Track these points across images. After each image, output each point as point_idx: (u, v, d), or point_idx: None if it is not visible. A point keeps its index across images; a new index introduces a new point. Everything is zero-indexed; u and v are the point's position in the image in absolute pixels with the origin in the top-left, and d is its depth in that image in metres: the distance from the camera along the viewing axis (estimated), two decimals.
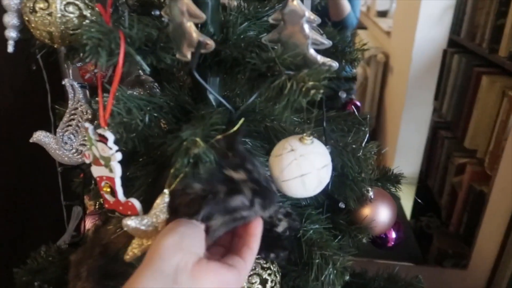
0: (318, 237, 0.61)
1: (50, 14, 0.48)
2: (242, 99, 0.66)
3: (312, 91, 0.45)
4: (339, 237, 0.64)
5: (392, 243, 0.79)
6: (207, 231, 0.47)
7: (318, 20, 0.48)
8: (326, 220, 0.63)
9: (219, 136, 0.49)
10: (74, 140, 0.58)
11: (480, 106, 1.65)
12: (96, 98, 0.50)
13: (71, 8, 0.48)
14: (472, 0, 1.87)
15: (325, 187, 0.52)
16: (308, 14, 0.48)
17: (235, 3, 0.69)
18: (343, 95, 0.53)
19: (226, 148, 0.49)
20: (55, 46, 0.51)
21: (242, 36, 0.60)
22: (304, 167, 0.50)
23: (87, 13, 0.49)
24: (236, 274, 0.43)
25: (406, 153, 2.60)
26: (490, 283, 1.56)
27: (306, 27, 0.49)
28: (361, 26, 3.63)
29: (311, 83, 0.45)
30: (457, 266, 1.67)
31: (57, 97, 0.68)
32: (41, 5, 0.47)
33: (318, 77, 0.45)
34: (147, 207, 0.53)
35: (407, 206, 2.19)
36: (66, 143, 0.58)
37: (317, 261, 0.59)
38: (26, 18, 0.49)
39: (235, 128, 0.51)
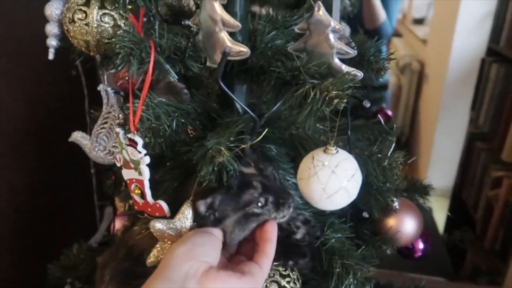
0: (339, 246, 0.60)
1: (87, 24, 0.50)
2: (269, 106, 0.67)
3: (336, 100, 0.45)
4: (363, 247, 0.63)
5: (420, 254, 0.77)
6: (224, 237, 0.48)
7: (343, 29, 0.49)
8: (349, 229, 0.62)
9: (243, 146, 0.51)
10: (107, 142, 0.61)
11: None
12: (128, 104, 0.52)
13: (106, 19, 0.51)
14: None
15: None
16: (334, 23, 0.48)
17: (264, 12, 0.71)
18: (367, 104, 0.52)
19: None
20: (91, 54, 0.54)
21: (269, 45, 0.61)
22: (343, 176, 0.49)
23: (121, 23, 0.51)
24: (250, 280, 0.44)
25: (440, 164, 2.52)
26: None
27: (331, 36, 0.49)
28: (396, 34, 3.57)
29: (334, 92, 0.45)
30: (491, 284, 1.60)
31: (94, 102, 0.71)
32: (80, 16, 0.50)
33: (342, 86, 0.46)
34: (172, 210, 0.55)
35: (440, 219, 2.13)
36: (100, 144, 0.61)
37: (337, 270, 0.58)
38: (66, 28, 0.52)
39: (259, 138, 0.53)
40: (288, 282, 0.55)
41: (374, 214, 0.62)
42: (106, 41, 0.52)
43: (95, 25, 0.50)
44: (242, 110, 0.57)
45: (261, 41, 0.61)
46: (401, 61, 3.12)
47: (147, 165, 0.52)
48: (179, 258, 0.42)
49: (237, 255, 0.51)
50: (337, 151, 0.51)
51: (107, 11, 0.51)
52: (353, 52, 0.50)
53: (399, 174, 0.63)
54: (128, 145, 0.51)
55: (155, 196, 0.56)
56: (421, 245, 0.76)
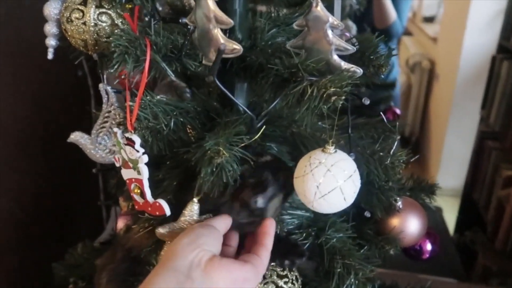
0: (341, 245, 0.59)
1: (84, 23, 0.50)
2: (270, 104, 0.67)
3: (333, 98, 0.44)
4: (365, 247, 0.62)
5: (427, 255, 0.75)
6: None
7: (342, 25, 0.48)
8: (351, 229, 0.61)
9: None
10: (108, 141, 0.61)
11: None
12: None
13: (104, 18, 0.51)
14: None
15: None
16: (332, 20, 0.47)
17: (264, 9, 0.70)
18: (366, 101, 0.51)
19: None
20: (90, 53, 0.54)
21: (270, 42, 0.61)
22: (339, 175, 0.48)
23: (118, 22, 0.51)
24: (252, 268, 0.45)
25: (451, 164, 2.49)
26: None
27: (330, 33, 0.48)
28: (406, 32, 3.54)
29: (332, 89, 0.44)
30: (503, 285, 1.57)
31: (101, 102, 0.71)
32: (77, 15, 0.50)
33: (340, 83, 0.45)
34: (173, 209, 0.55)
35: (451, 220, 2.10)
36: (100, 143, 0.61)
37: (338, 270, 0.58)
38: (64, 27, 0.52)
39: (256, 137, 0.52)
40: (286, 283, 0.54)
41: (376, 213, 0.61)
42: (104, 40, 0.51)
43: (92, 24, 0.50)
44: (240, 108, 0.56)
45: (262, 39, 0.60)
46: (411, 59, 3.09)
47: (146, 164, 0.51)
48: (183, 248, 0.43)
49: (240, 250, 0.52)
50: (336, 151, 0.50)
51: (104, 10, 0.51)
52: (352, 49, 0.49)
53: (402, 173, 0.62)
54: (126, 144, 0.51)
55: (154, 195, 0.56)
56: (429, 246, 0.74)
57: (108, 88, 0.59)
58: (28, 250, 1.11)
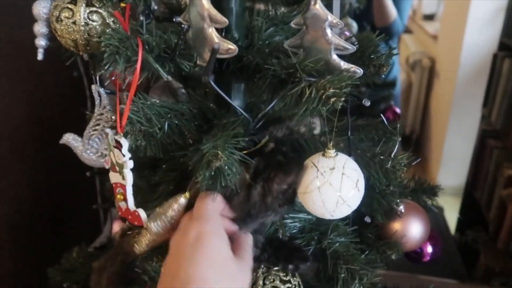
0: (344, 250, 0.58)
1: (74, 23, 0.49)
2: (267, 106, 0.65)
3: (333, 99, 0.43)
4: (367, 251, 0.60)
5: (428, 258, 0.74)
6: None
7: (341, 24, 0.46)
8: (353, 233, 0.60)
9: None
10: (100, 144, 0.60)
11: None
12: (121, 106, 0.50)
13: (94, 17, 0.49)
14: None
15: None
16: (331, 18, 0.46)
17: (262, 7, 0.68)
18: (367, 103, 0.50)
19: None
20: (80, 54, 0.52)
21: (267, 42, 0.59)
22: (353, 175, 0.47)
23: (110, 21, 0.50)
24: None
25: (452, 163, 2.48)
26: None
27: (329, 31, 0.46)
28: (406, 30, 3.52)
29: (331, 90, 0.43)
30: (505, 286, 1.55)
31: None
32: (66, 14, 0.48)
33: (339, 84, 0.43)
34: None
35: (452, 219, 2.08)
36: (92, 146, 0.59)
37: (342, 275, 0.56)
38: (53, 27, 0.50)
39: (258, 146, 0.50)
40: None
41: (377, 218, 0.59)
42: (95, 39, 0.50)
43: (83, 23, 0.49)
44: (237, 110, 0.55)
45: (259, 38, 0.58)
46: (411, 58, 3.07)
47: (132, 169, 0.50)
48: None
49: None
50: (337, 154, 0.48)
51: (95, 9, 0.49)
52: (352, 48, 0.47)
53: (403, 176, 0.60)
54: (115, 147, 0.49)
55: (151, 200, 0.54)
56: (429, 249, 0.72)
57: (101, 89, 0.57)
58: (23, 254, 1.10)
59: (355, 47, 0.47)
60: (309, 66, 0.46)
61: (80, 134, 0.66)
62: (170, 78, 0.55)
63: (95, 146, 0.59)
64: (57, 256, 0.87)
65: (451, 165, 2.48)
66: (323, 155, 0.49)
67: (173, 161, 0.60)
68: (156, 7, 0.67)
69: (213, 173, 0.45)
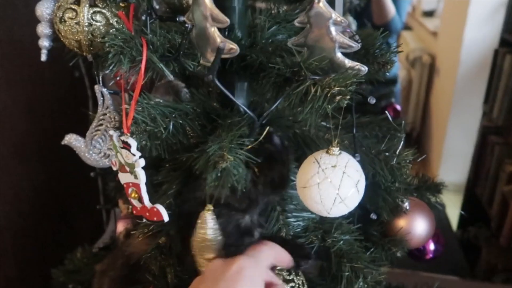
0: (348, 248, 0.58)
1: (78, 23, 0.48)
2: (271, 104, 0.65)
3: (338, 97, 0.43)
4: (371, 249, 0.60)
5: (431, 255, 0.74)
6: None
7: (345, 21, 0.46)
8: (357, 231, 0.60)
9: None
10: (102, 144, 0.60)
11: None
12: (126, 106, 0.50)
13: (98, 17, 0.49)
14: None
15: None
16: (335, 16, 0.46)
17: (264, 6, 0.68)
18: (372, 100, 0.50)
19: None
20: (84, 54, 0.52)
21: (270, 40, 0.59)
22: (354, 175, 0.47)
23: (113, 21, 0.49)
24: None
25: (453, 159, 2.47)
26: None
27: (333, 29, 0.46)
28: (406, 27, 3.51)
29: (337, 88, 0.43)
30: (508, 282, 1.55)
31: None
32: (70, 15, 0.48)
33: (344, 82, 0.43)
34: (172, 215, 0.53)
35: (453, 215, 2.08)
36: (94, 146, 0.59)
37: (346, 274, 0.56)
38: (57, 28, 0.50)
39: (260, 138, 0.50)
40: (293, 287, 0.52)
41: (382, 215, 0.59)
42: (98, 40, 0.49)
43: (86, 24, 0.48)
44: (242, 109, 0.55)
45: (262, 37, 0.58)
46: (411, 54, 3.07)
47: (143, 168, 0.50)
48: None
49: None
50: (340, 152, 0.48)
51: (98, 9, 0.49)
52: (356, 46, 0.47)
53: (408, 173, 0.60)
54: (122, 148, 0.49)
55: (153, 200, 0.54)
56: (432, 246, 0.72)
57: (104, 90, 0.57)
58: (26, 256, 1.10)
59: (359, 45, 0.47)
60: (314, 65, 0.46)
61: (82, 135, 0.66)
62: (172, 77, 0.54)
63: (97, 146, 0.58)
64: (60, 257, 0.87)
65: (452, 162, 2.47)
66: (327, 152, 0.49)
67: (176, 161, 0.60)
68: (157, 7, 0.67)
69: (219, 174, 0.45)
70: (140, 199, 0.54)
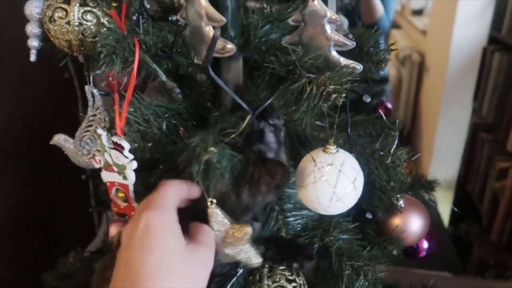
0: (347, 247, 0.58)
1: (68, 23, 0.47)
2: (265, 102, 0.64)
3: (334, 95, 0.42)
4: (368, 248, 0.60)
5: (424, 253, 0.74)
6: None
7: (340, 20, 0.46)
8: (355, 229, 0.59)
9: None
10: (92, 146, 0.59)
11: None
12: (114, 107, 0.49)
13: (89, 16, 0.48)
14: None
15: None
16: (330, 14, 0.45)
17: (257, 5, 0.68)
18: (367, 99, 0.49)
19: None
20: (74, 55, 0.51)
21: (264, 39, 0.58)
22: (351, 174, 0.47)
23: (104, 20, 0.48)
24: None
25: (444, 157, 2.49)
26: None
27: (328, 28, 0.46)
28: (395, 26, 3.53)
29: (332, 86, 0.42)
30: (499, 277, 1.57)
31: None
32: (60, 14, 0.47)
33: (340, 80, 0.43)
34: None
35: (445, 212, 2.10)
36: (83, 147, 0.58)
37: (347, 272, 0.56)
38: (46, 27, 0.49)
39: (242, 127, 0.48)
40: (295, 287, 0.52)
41: (378, 214, 0.59)
42: (89, 40, 0.48)
43: (77, 23, 0.47)
44: (235, 103, 0.53)
45: (255, 36, 0.58)
46: (401, 53, 3.08)
47: (134, 170, 0.49)
48: None
49: None
50: (337, 150, 0.48)
51: (89, 9, 0.48)
52: (351, 44, 0.47)
53: (402, 172, 0.60)
54: (112, 148, 0.48)
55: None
56: (425, 244, 0.73)
57: (94, 90, 0.56)
58: (16, 259, 1.08)
59: (354, 43, 0.47)
60: (309, 63, 0.45)
61: (73, 136, 0.65)
62: (165, 78, 0.54)
63: (87, 148, 0.57)
64: (51, 261, 0.85)
65: (443, 159, 2.49)
66: (324, 150, 0.48)
67: (169, 162, 0.60)
68: (148, 6, 0.66)
69: (202, 167, 0.44)
70: (126, 199, 0.54)
